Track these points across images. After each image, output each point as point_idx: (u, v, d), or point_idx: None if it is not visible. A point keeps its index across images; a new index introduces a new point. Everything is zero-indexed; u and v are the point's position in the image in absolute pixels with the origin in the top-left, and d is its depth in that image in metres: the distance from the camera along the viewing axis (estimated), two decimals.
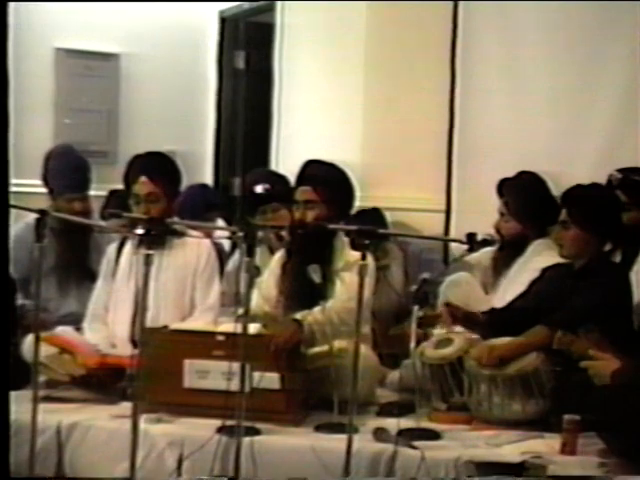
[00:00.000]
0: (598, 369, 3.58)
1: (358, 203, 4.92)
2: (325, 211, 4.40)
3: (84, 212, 5.14)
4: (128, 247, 4.62)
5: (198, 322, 4.41)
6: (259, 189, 5.08)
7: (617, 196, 4.40)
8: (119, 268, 4.64)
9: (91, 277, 4.95)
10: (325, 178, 4.45)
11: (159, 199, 4.51)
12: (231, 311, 4.17)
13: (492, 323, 4.24)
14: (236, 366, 3.67)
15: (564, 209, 4.21)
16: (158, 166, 4.61)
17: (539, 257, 4.58)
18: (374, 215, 5.38)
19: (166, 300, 4.54)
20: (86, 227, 5.09)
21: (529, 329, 4.08)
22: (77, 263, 5.15)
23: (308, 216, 4.39)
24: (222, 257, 5.01)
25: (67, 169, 5.23)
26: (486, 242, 4.31)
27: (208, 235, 4.90)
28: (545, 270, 4.38)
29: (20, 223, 4.76)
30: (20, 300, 4.80)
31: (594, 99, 5.24)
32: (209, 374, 4.02)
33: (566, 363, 3.89)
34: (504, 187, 4.88)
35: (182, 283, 4.59)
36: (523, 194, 4.77)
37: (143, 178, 4.51)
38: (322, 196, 4.40)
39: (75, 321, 4.77)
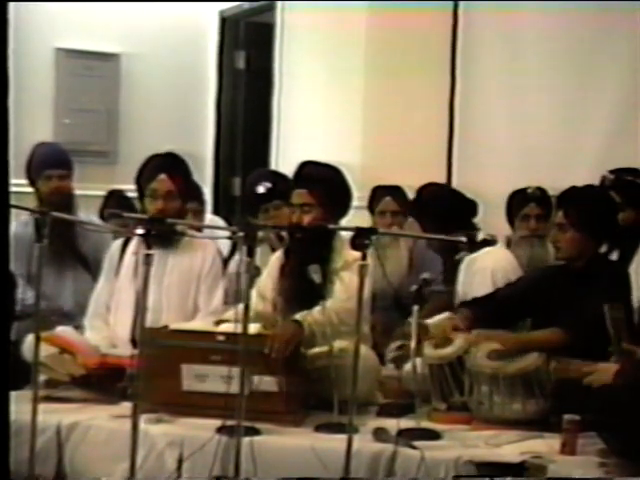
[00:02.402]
0: (601, 379, 3.58)
1: (357, 203, 4.93)
2: (321, 214, 4.37)
3: (64, 191, 5.18)
4: (132, 246, 4.63)
5: (199, 323, 4.42)
6: (261, 189, 5.08)
7: (613, 197, 4.40)
8: (122, 267, 4.65)
9: (82, 261, 5.04)
10: (320, 180, 4.41)
11: (175, 197, 4.57)
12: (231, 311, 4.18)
13: (475, 312, 4.24)
14: (235, 369, 3.68)
15: (560, 211, 4.20)
16: (177, 166, 4.68)
17: (482, 256, 4.53)
18: (399, 192, 5.45)
19: (169, 303, 4.54)
20: (69, 213, 5.11)
21: (514, 321, 4.15)
22: (66, 248, 5.18)
23: (304, 219, 4.37)
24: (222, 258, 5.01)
25: (44, 153, 5.33)
26: (486, 242, 4.31)
27: (196, 229, 4.91)
28: (541, 269, 4.42)
29: (14, 222, 4.79)
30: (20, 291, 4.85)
31: (594, 99, 5.24)
32: (208, 377, 4.01)
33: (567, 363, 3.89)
34: (412, 210, 4.98)
35: (186, 286, 4.59)
36: (432, 208, 4.76)
37: (162, 176, 4.56)
38: (318, 199, 4.37)
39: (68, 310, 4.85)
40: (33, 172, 5.24)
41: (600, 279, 4.07)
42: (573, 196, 4.22)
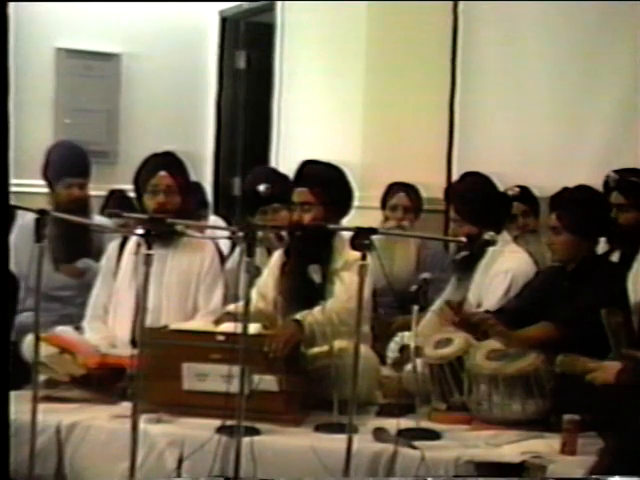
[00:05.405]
0: (603, 377, 3.58)
1: (358, 203, 4.93)
2: (322, 213, 4.38)
3: (83, 199, 5.20)
4: (129, 247, 4.63)
5: (199, 322, 4.42)
6: (261, 189, 5.07)
7: (605, 196, 4.39)
8: (120, 268, 4.64)
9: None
10: (321, 179, 4.42)
11: (175, 193, 4.59)
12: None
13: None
14: (235, 368, 3.68)
15: (553, 214, 4.19)
16: (176, 164, 4.70)
17: (502, 257, 4.52)
18: (413, 190, 5.55)
19: (169, 303, 4.54)
20: (83, 211, 5.11)
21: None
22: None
23: (305, 218, 4.37)
24: (222, 258, 5.01)
25: (66, 156, 5.33)
26: (486, 242, 4.31)
27: (196, 229, 4.92)
28: (538, 273, 4.40)
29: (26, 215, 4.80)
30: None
31: (594, 100, 5.25)
32: (208, 376, 4.01)
33: None
34: (450, 192, 4.87)
35: (186, 286, 4.60)
36: (470, 196, 4.66)
37: (162, 172, 4.59)
38: (319, 198, 4.38)
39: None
40: (52, 175, 5.23)
41: (594, 278, 4.06)
42: (564, 198, 4.22)
